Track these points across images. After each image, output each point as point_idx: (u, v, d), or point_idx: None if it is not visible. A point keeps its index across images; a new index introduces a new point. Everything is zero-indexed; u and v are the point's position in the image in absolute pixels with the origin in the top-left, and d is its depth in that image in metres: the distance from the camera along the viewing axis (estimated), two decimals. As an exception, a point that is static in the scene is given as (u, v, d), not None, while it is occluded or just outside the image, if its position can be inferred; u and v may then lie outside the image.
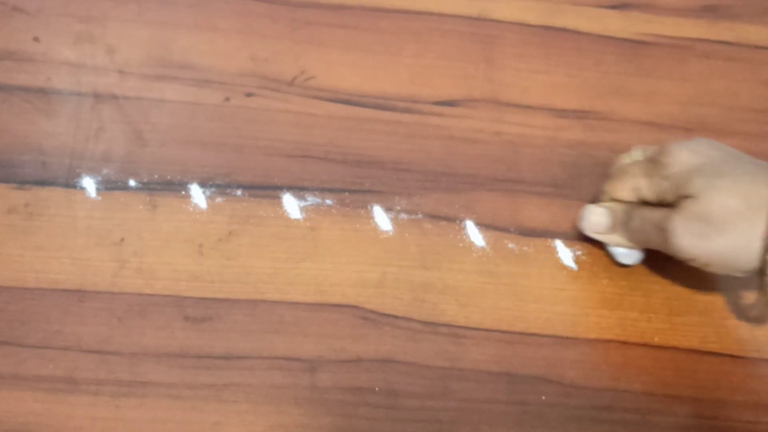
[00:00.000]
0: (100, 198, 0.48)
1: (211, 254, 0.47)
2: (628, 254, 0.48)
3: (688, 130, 0.55)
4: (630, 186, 0.47)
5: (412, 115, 0.53)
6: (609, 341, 0.47)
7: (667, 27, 0.58)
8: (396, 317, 0.47)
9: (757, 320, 0.48)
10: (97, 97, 0.52)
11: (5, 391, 0.43)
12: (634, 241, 0.47)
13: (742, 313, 0.49)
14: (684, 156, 0.45)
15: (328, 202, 0.50)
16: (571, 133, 0.54)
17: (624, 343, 0.47)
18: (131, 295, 0.46)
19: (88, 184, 0.49)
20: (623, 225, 0.47)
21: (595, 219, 0.48)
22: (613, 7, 0.59)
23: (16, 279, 0.46)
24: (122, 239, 0.47)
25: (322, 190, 0.50)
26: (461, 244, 0.49)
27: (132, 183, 0.49)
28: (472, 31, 0.56)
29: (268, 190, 0.50)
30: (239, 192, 0.49)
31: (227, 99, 0.52)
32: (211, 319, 0.46)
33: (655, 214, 0.45)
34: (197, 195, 0.49)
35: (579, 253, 0.50)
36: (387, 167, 0.51)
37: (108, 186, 0.49)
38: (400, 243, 0.49)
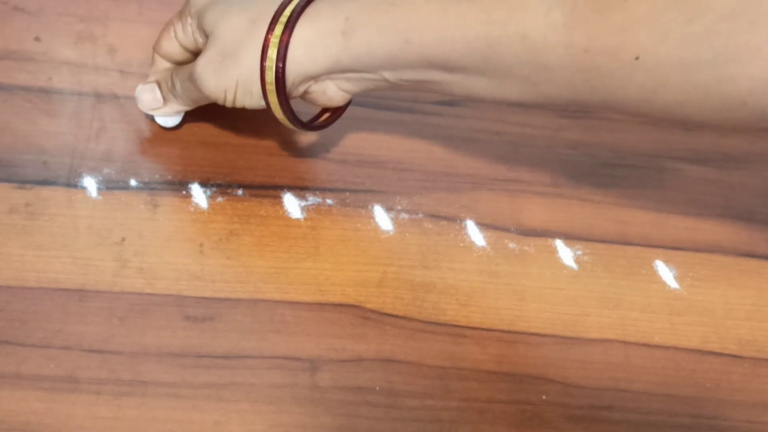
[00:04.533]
0: (101, 197, 0.48)
1: (212, 254, 0.47)
2: (166, 118, 0.49)
3: (689, 130, 0.55)
4: (169, 36, 0.47)
5: (413, 114, 0.53)
6: (609, 341, 0.47)
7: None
8: (397, 317, 0.47)
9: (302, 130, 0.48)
10: (99, 96, 0.52)
11: (6, 390, 0.43)
12: (186, 103, 0.47)
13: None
14: None
15: (329, 201, 0.50)
16: (571, 133, 0.54)
17: (624, 342, 0.47)
18: (132, 294, 0.46)
19: (89, 183, 0.49)
20: (171, 92, 0.47)
21: (147, 97, 0.48)
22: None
23: (17, 278, 0.46)
24: (123, 239, 0.47)
25: (323, 190, 0.50)
26: (462, 244, 0.49)
27: (133, 182, 0.49)
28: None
29: (269, 189, 0.50)
30: (240, 192, 0.50)
31: (228, 99, 0.52)
32: (212, 319, 0.46)
33: (187, 67, 0.45)
34: (198, 194, 0.49)
35: (579, 252, 0.50)
36: (388, 167, 0.51)
37: (109, 185, 0.49)
38: (400, 243, 0.49)
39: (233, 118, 0.52)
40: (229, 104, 0.45)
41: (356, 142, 0.52)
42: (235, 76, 0.43)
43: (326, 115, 0.48)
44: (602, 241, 0.50)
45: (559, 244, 0.50)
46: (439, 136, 0.52)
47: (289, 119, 0.45)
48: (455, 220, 0.50)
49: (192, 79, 0.44)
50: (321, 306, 0.47)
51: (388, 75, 0.42)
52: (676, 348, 0.48)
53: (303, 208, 0.50)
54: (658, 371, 0.47)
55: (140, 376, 0.44)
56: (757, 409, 0.46)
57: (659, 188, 0.53)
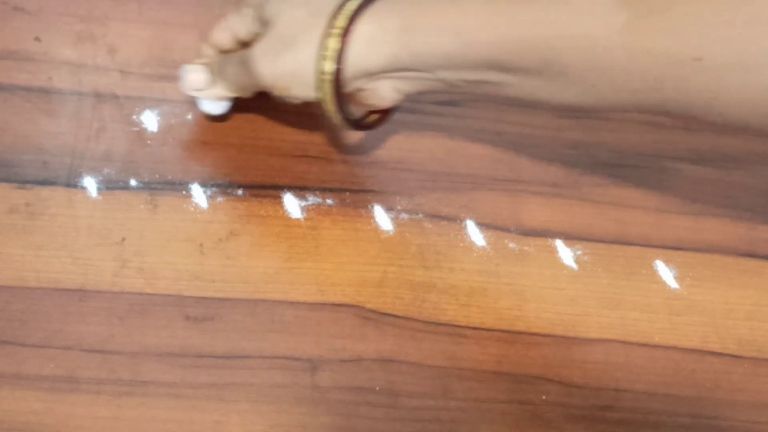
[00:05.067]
0: (101, 197, 0.48)
1: (212, 254, 0.47)
2: (214, 104, 0.49)
3: (689, 130, 0.55)
4: (224, 26, 0.47)
5: (413, 114, 0.53)
6: (609, 341, 0.47)
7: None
8: (397, 317, 0.47)
9: (339, 128, 0.48)
10: (99, 96, 0.52)
11: (6, 390, 0.43)
12: (234, 89, 0.47)
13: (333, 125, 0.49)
14: None
15: (329, 201, 0.50)
16: (571, 133, 0.54)
17: (624, 342, 0.47)
18: (132, 294, 0.46)
19: (89, 183, 0.49)
20: (220, 75, 0.47)
21: (193, 77, 0.48)
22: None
23: (17, 278, 0.46)
24: (123, 239, 0.47)
25: (323, 190, 0.50)
26: (462, 244, 0.49)
27: (133, 182, 0.49)
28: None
29: (269, 189, 0.50)
30: (240, 191, 0.50)
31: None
32: (212, 319, 0.46)
33: (241, 52, 0.45)
34: (198, 194, 0.49)
35: (579, 252, 0.50)
36: (388, 167, 0.52)
37: (109, 185, 0.49)
38: (400, 242, 0.49)
39: (233, 118, 0.52)
40: (278, 92, 0.44)
41: (356, 142, 0.52)
42: (291, 65, 0.43)
43: (374, 116, 0.48)
44: (602, 241, 0.50)
45: (559, 244, 0.50)
46: (439, 136, 0.52)
47: (338, 113, 0.45)
48: (455, 220, 0.50)
49: (246, 64, 0.44)
50: (321, 306, 0.47)
51: (446, 75, 0.43)
52: (676, 348, 0.48)
53: (303, 208, 0.50)
54: (658, 371, 0.47)
55: (140, 376, 0.44)
56: (757, 409, 0.46)
57: (659, 188, 0.53)
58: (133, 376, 0.44)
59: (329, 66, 0.42)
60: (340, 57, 0.42)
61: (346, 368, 0.45)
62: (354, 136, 0.52)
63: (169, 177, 0.50)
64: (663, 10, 0.37)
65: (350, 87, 0.44)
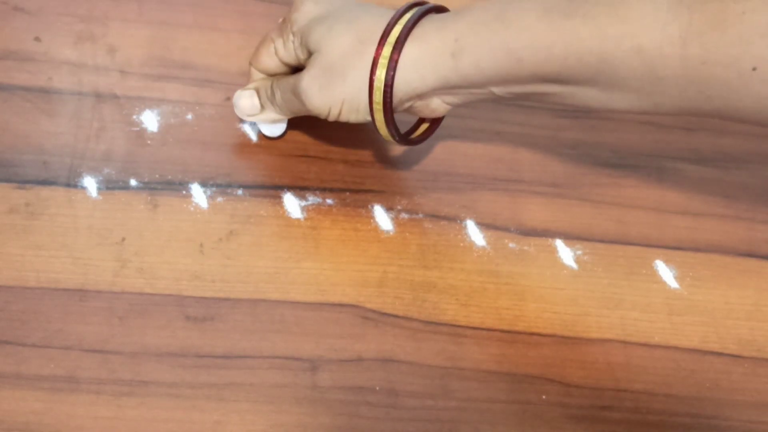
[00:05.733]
0: (101, 197, 0.48)
1: (212, 254, 0.47)
2: (272, 127, 0.50)
3: (689, 130, 0.55)
4: (269, 51, 0.48)
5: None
6: (609, 341, 0.47)
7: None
8: (397, 317, 0.47)
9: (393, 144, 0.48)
10: (98, 96, 0.52)
11: (6, 390, 0.43)
12: (284, 113, 0.48)
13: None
14: (308, 7, 0.46)
15: (329, 201, 0.50)
16: (571, 133, 0.54)
17: (624, 342, 0.47)
18: (132, 294, 0.46)
19: (89, 183, 0.49)
20: (270, 101, 0.48)
21: (245, 103, 0.49)
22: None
23: (17, 278, 0.46)
24: (123, 239, 0.47)
25: (323, 190, 0.50)
26: (462, 244, 0.49)
27: (133, 182, 0.49)
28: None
29: (269, 189, 0.50)
30: (240, 191, 0.50)
31: (228, 98, 0.52)
32: (212, 319, 0.46)
33: (290, 79, 0.46)
34: (198, 194, 0.49)
35: (579, 252, 0.50)
36: (388, 167, 0.52)
37: (109, 185, 0.49)
38: (400, 242, 0.49)
39: (234, 118, 0.52)
40: (331, 119, 0.45)
41: (356, 142, 0.52)
42: (341, 94, 0.44)
43: (424, 126, 0.49)
44: (602, 241, 0.50)
45: (559, 244, 0.50)
46: (439, 136, 0.52)
47: (391, 135, 0.46)
48: (455, 220, 0.50)
49: (296, 93, 0.45)
50: (321, 306, 0.47)
51: (497, 90, 0.43)
52: (676, 348, 0.48)
53: (303, 208, 0.50)
54: (658, 371, 0.47)
55: (140, 376, 0.44)
56: (757, 409, 0.46)
57: (659, 188, 0.53)
58: (133, 376, 0.44)
59: (379, 95, 0.43)
60: (389, 84, 0.42)
61: (346, 368, 0.45)
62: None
63: (169, 177, 0.49)
64: (719, 21, 0.37)
65: (400, 108, 0.45)
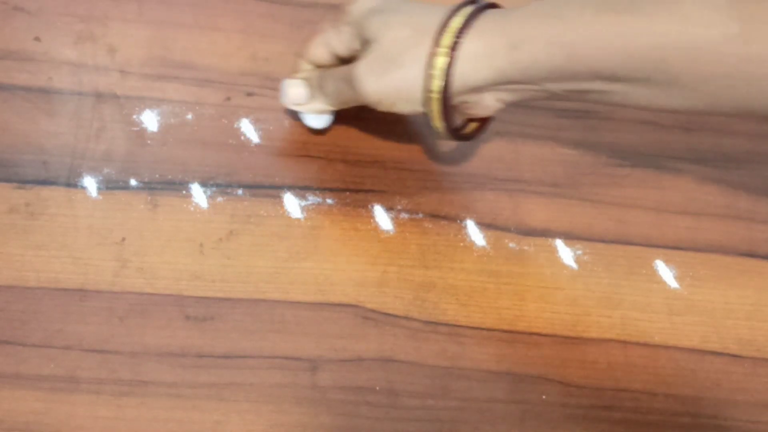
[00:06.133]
0: (101, 197, 0.48)
1: (212, 253, 0.47)
2: (317, 118, 0.50)
3: (689, 130, 0.55)
4: (322, 43, 0.48)
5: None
6: (609, 340, 0.47)
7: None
8: (397, 316, 0.47)
9: (444, 139, 0.48)
10: (99, 96, 0.52)
11: (6, 390, 0.43)
12: (333, 103, 0.49)
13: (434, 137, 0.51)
14: (364, 0, 0.46)
15: (329, 201, 0.50)
16: (571, 133, 0.54)
17: (624, 342, 0.47)
18: (132, 294, 0.46)
19: (89, 183, 0.49)
20: (320, 90, 0.48)
21: (293, 91, 0.49)
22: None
23: (17, 278, 0.46)
24: (123, 239, 0.47)
25: (323, 190, 0.50)
26: (462, 244, 0.49)
27: (133, 182, 0.49)
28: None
29: (269, 189, 0.50)
30: (240, 191, 0.50)
31: (228, 98, 0.52)
32: (212, 319, 0.46)
33: (344, 68, 0.46)
34: (198, 194, 0.49)
35: (579, 252, 0.50)
36: (388, 167, 0.52)
37: (109, 185, 0.49)
38: (400, 242, 0.49)
39: (234, 118, 0.52)
40: (382, 108, 0.45)
41: (356, 141, 0.52)
42: (396, 83, 0.44)
43: (474, 124, 0.49)
44: (602, 241, 0.50)
45: (559, 243, 0.50)
46: (439, 136, 0.52)
47: (444, 128, 0.46)
48: (455, 219, 0.50)
49: (350, 81, 0.45)
50: (321, 306, 0.47)
51: (552, 86, 0.43)
52: (676, 348, 0.48)
53: (303, 208, 0.50)
54: (658, 371, 0.47)
55: (140, 376, 0.44)
56: (757, 409, 0.46)
57: (659, 188, 0.53)
58: (133, 376, 0.44)
59: (437, 84, 0.43)
60: (447, 75, 0.42)
61: (346, 368, 0.45)
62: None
63: (169, 177, 0.50)
64: None
65: (455, 101, 0.45)
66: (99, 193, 0.49)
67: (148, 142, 0.50)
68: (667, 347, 0.48)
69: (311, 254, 0.48)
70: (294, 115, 0.51)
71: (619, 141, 0.54)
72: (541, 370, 0.46)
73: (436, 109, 0.44)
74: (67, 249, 0.47)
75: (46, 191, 0.48)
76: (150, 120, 0.51)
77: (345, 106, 0.49)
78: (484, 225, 0.50)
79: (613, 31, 0.40)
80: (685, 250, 0.51)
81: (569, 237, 0.50)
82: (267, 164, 0.51)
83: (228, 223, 0.49)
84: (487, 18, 0.43)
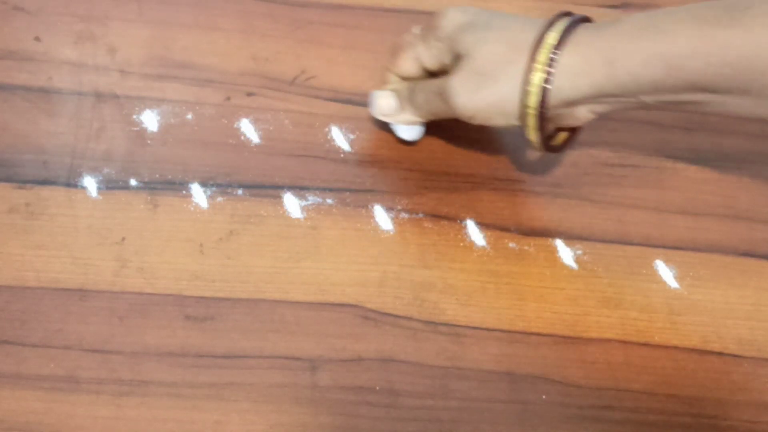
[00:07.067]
0: (101, 197, 0.48)
1: (212, 253, 0.47)
2: (409, 129, 0.50)
3: (689, 130, 0.55)
4: (411, 57, 0.48)
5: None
6: (609, 340, 0.47)
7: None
8: (397, 316, 0.47)
9: (537, 151, 0.48)
10: (99, 96, 0.52)
11: (6, 390, 0.43)
12: (422, 115, 0.49)
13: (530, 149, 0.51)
14: (455, 15, 0.46)
15: (329, 201, 0.50)
16: (571, 132, 0.54)
17: (624, 342, 0.47)
18: (132, 294, 0.46)
19: (89, 183, 0.49)
20: (410, 102, 0.49)
21: (383, 102, 0.50)
22: (614, 6, 0.59)
23: (17, 278, 0.46)
24: (123, 238, 0.47)
25: (323, 190, 0.50)
26: (462, 244, 0.49)
27: (133, 182, 0.49)
28: (473, 30, 0.56)
29: (268, 189, 0.50)
30: (240, 191, 0.50)
31: (228, 98, 0.52)
32: (212, 318, 0.46)
33: (436, 81, 0.47)
34: (198, 194, 0.49)
35: (579, 252, 0.50)
36: (388, 166, 0.52)
37: (109, 185, 0.49)
38: (400, 242, 0.49)
39: (234, 118, 0.52)
40: (476, 122, 0.46)
41: (356, 141, 0.52)
42: (491, 98, 0.44)
43: (563, 134, 0.49)
44: (602, 241, 0.50)
45: (559, 243, 0.50)
46: (439, 136, 0.52)
47: (539, 140, 0.46)
48: (455, 219, 0.50)
49: (443, 95, 0.45)
50: (321, 306, 0.47)
51: (647, 98, 0.43)
52: (676, 348, 0.48)
53: (303, 208, 0.50)
54: (658, 371, 0.47)
55: (140, 376, 0.44)
56: (757, 409, 0.46)
57: (659, 188, 0.53)
58: (133, 376, 0.44)
59: (533, 100, 0.43)
60: (543, 91, 0.43)
61: (346, 368, 0.45)
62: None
63: (169, 177, 0.50)
64: None
65: (551, 114, 0.45)
66: (99, 193, 0.49)
67: (148, 142, 0.50)
68: (667, 347, 0.48)
69: (311, 254, 0.48)
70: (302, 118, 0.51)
71: (619, 141, 0.54)
72: (541, 370, 0.46)
73: (532, 123, 0.44)
74: (67, 249, 0.47)
75: (46, 191, 0.48)
76: (150, 120, 0.51)
77: (434, 118, 0.49)
78: (484, 225, 0.50)
79: (715, 45, 0.40)
80: (685, 250, 0.51)
81: (569, 237, 0.50)
82: (267, 164, 0.51)
83: (228, 223, 0.49)
84: (583, 32, 0.43)
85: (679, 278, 0.50)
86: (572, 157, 0.53)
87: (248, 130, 0.52)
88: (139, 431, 0.42)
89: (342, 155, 0.51)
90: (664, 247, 0.51)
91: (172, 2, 0.56)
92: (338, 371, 0.45)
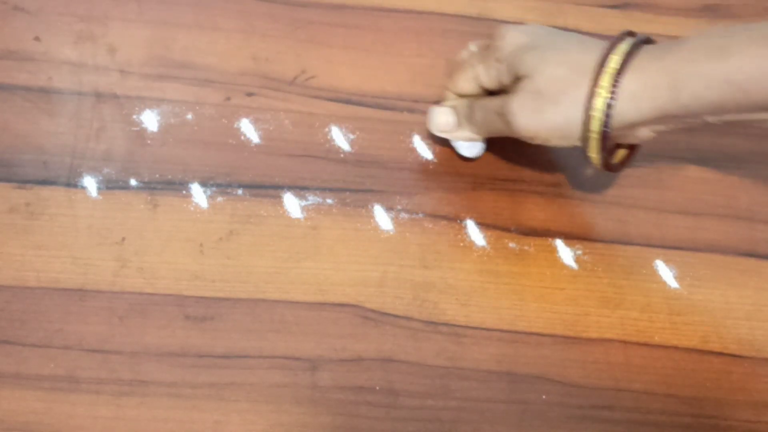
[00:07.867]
0: (101, 197, 0.48)
1: (211, 253, 0.47)
2: (470, 146, 0.51)
3: (689, 130, 0.55)
4: (469, 76, 0.48)
5: (413, 114, 0.53)
6: (609, 340, 0.47)
7: (667, 26, 0.58)
8: (397, 316, 0.47)
9: (600, 171, 0.48)
10: (99, 96, 0.52)
11: (6, 390, 0.43)
12: (481, 132, 0.49)
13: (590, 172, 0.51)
14: (515, 36, 0.46)
15: (329, 201, 0.50)
16: (571, 132, 0.54)
17: (624, 342, 0.47)
18: (132, 294, 0.46)
19: (89, 183, 0.49)
20: (468, 119, 0.49)
21: (441, 119, 0.50)
22: (614, 6, 0.59)
23: (17, 278, 0.46)
24: (123, 238, 0.47)
25: (323, 190, 0.50)
26: (462, 244, 0.49)
27: (133, 182, 0.49)
28: (473, 30, 0.56)
29: (268, 189, 0.50)
30: (240, 191, 0.50)
31: (228, 98, 0.52)
32: (212, 318, 0.46)
33: (495, 101, 0.47)
34: (198, 194, 0.49)
35: (579, 252, 0.50)
36: (388, 166, 0.51)
37: (109, 185, 0.49)
38: (400, 242, 0.49)
39: (234, 118, 0.52)
40: (536, 142, 0.46)
41: (356, 141, 0.52)
42: (552, 120, 0.44)
43: (623, 152, 0.49)
44: (602, 241, 0.50)
45: (559, 243, 0.50)
46: (439, 136, 0.52)
47: (602, 161, 0.46)
48: (455, 219, 0.50)
49: (502, 115, 0.45)
50: (321, 306, 0.47)
51: (711, 118, 0.43)
52: (676, 348, 0.48)
53: (303, 208, 0.50)
54: (658, 371, 0.47)
55: (140, 376, 0.44)
56: (757, 409, 0.46)
57: (659, 188, 0.53)
58: (133, 375, 0.44)
59: (596, 125, 0.43)
60: (606, 116, 0.42)
61: (346, 368, 0.45)
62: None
63: (169, 177, 0.50)
64: None
65: (613, 135, 0.45)
66: (99, 193, 0.49)
67: (148, 142, 0.50)
68: (667, 347, 0.48)
69: (311, 254, 0.48)
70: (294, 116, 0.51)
71: (619, 141, 0.54)
72: (541, 370, 0.46)
73: (594, 146, 0.44)
74: (67, 249, 0.47)
75: (46, 191, 0.48)
76: (150, 120, 0.51)
77: (493, 136, 0.49)
78: (484, 225, 0.50)
79: None
80: (685, 250, 0.51)
81: (569, 237, 0.50)
82: (267, 164, 0.51)
83: (228, 223, 0.49)
84: (645, 55, 0.43)
85: (679, 278, 0.50)
86: (572, 157, 0.53)
87: (248, 130, 0.52)
88: (139, 431, 0.42)
89: (342, 155, 0.51)
90: (664, 247, 0.51)
91: (172, 2, 0.56)
92: (338, 371, 0.45)
